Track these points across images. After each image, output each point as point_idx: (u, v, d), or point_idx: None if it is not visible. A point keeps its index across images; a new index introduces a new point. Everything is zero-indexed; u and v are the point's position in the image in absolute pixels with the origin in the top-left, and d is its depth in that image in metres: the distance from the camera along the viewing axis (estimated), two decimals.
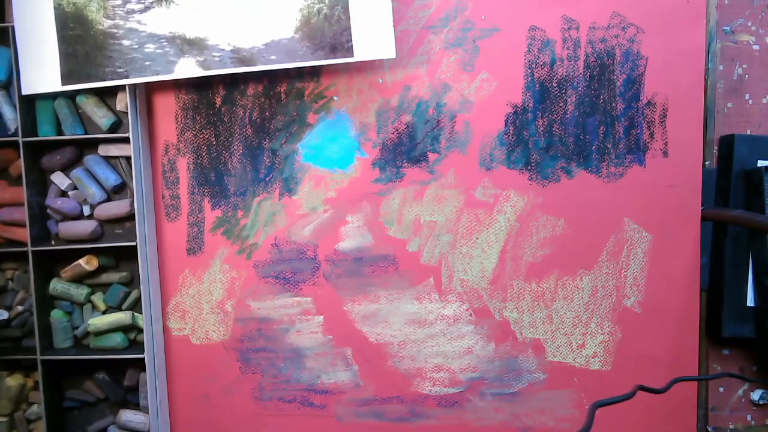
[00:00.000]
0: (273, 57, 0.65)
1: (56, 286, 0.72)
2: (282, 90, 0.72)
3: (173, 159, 0.73)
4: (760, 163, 0.68)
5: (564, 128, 0.71)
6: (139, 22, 0.65)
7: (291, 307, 0.74)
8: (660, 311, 0.71)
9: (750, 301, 0.69)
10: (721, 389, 0.73)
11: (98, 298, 0.73)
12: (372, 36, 0.65)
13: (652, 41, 0.69)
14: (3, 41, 0.69)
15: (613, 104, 0.70)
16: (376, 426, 0.74)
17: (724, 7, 0.71)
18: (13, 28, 0.67)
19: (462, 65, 0.71)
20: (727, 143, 0.70)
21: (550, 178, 0.71)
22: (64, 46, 0.66)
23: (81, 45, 0.65)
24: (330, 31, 0.65)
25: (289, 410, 0.74)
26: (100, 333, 0.71)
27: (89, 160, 0.71)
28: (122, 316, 0.71)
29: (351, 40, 0.65)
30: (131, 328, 0.73)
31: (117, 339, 0.72)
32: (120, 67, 0.66)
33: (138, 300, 0.72)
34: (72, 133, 0.70)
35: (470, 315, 0.73)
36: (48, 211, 0.72)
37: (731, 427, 0.73)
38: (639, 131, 0.70)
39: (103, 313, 0.73)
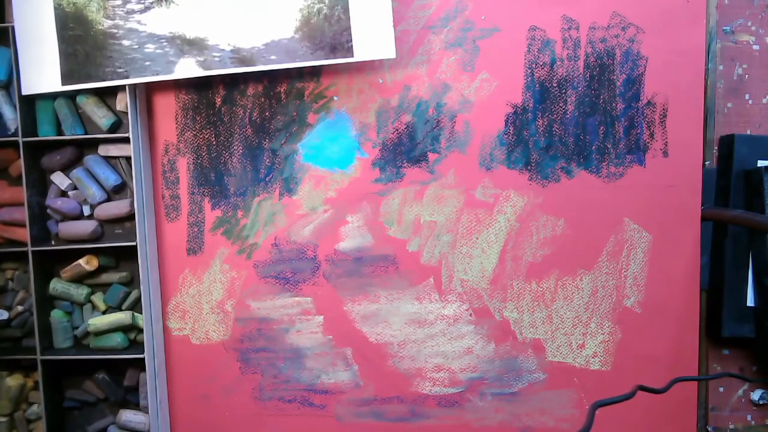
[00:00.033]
0: (273, 57, 0.65)
1: (56, 286, 0.72)
2: (282, 90, 0.72)
3: (173, 159, 0.73)
4: (760, 163, 0.68)
5: (564, 128, 0.71)
6: (139, 22, 0.65)
7: (291, 307, 0.74)
8: (660, 311, 0.71)
9: (750, 301, 0.69)
10: (721, 389, 0.73)
11: (98, 298, 0.73)
12: (372, 36, 0.65)
13: (652, 41, 0.69)
14: (3, 41, 0.69)
15: (613, 104, 0.70)
16: (376, 426, 0.74)
17: (724, 7, 0.71)
18: (13, 28, 0.67)
19: (462, 65, 0.71)
20: (727, 143, 0.70)
21: (550, 178, 0.71)
22: (64, 46, 0.66)
23: (81, 45, 0.65)
24: (330, 31, 0.65)
25: (289, 410, 0.74)
26: (100, 333, 0.71)
27: (89, 160, 0.71)
28: (122, 316, 0.71)
29: (351, 40, 0.65)
30: (131, 328, 0.73)
31: (117, 339, 0.72)
32: (120, 67, 0.66)
33: (138, 300, 0.72)
34: (72, 133, 0.70)
35: (470, 315, 0.73)
36: (48, 211, 0.72)
37: (731, 427, 0.73)
38: (639, 131, 0.70)
39: (103, 313, 0.73)
